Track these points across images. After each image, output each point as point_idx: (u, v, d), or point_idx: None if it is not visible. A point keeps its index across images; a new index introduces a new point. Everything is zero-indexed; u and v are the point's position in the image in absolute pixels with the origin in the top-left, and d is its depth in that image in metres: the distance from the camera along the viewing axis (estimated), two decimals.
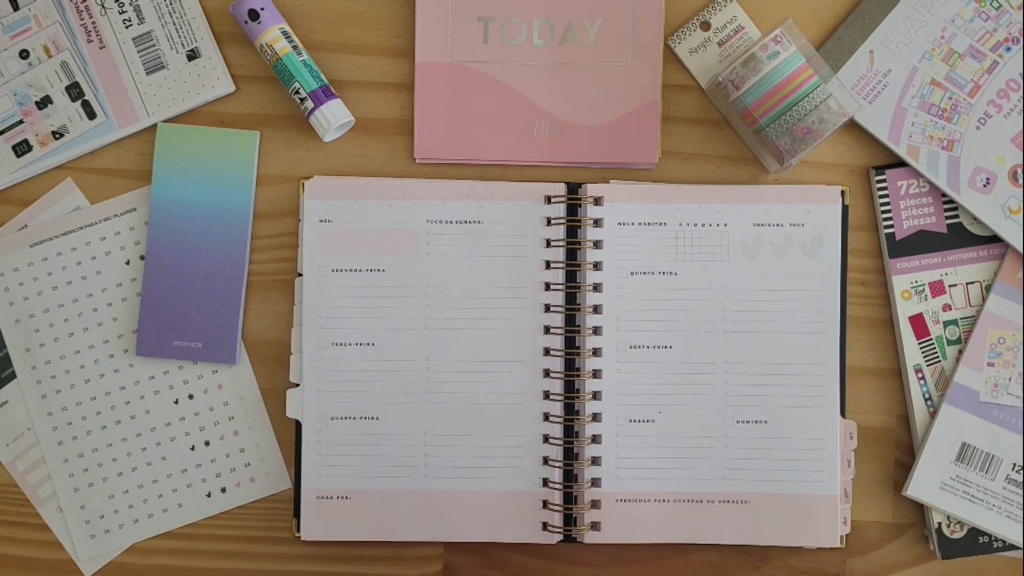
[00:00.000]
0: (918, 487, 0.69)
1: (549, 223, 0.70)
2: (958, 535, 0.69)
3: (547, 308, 0.69)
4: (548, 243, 0.70)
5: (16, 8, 0.70)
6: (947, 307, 0.70)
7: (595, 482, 0.69)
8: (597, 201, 0.69)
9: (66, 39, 0.70)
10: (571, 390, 0.69)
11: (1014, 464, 0.69)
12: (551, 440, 0.69)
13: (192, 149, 0.70)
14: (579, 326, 0.69)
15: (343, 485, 0.69)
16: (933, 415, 0.70)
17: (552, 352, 0.69)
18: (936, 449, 0.69)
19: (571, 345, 0.69)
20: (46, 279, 0.71)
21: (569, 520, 0.69)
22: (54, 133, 0.70)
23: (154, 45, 0.70)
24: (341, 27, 0.71)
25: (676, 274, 0.70)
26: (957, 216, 0.70)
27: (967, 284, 0.70)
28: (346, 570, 0.71)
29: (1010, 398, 0.69)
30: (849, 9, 0.71)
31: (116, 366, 0.71)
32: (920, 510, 0.71)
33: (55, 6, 0.70)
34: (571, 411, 0.69)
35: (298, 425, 0.70)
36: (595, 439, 0.69)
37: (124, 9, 0.70)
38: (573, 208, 0.70)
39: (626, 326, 0.69)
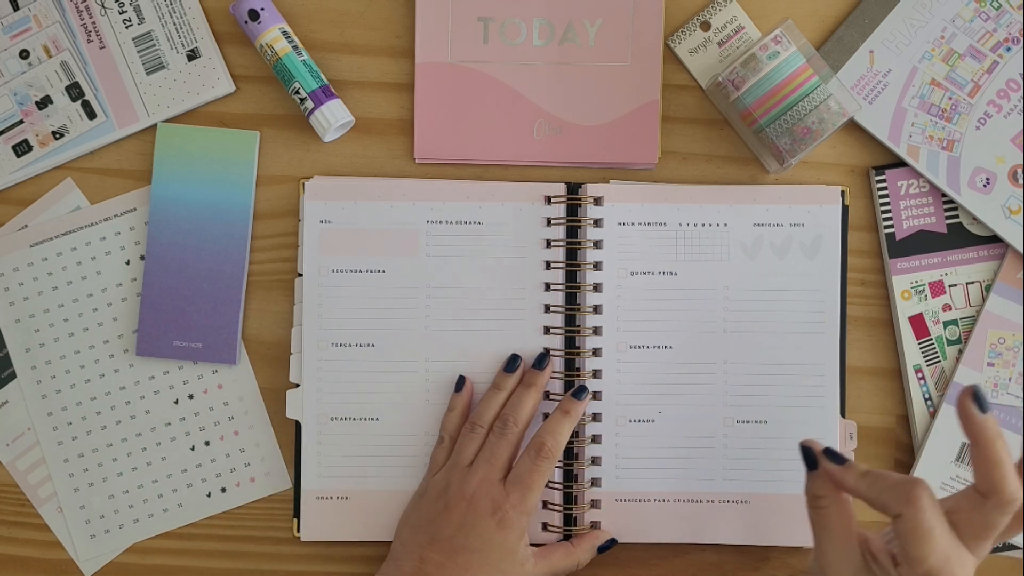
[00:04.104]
0: None
1: (549, 223, 0.70)
2: None
3: (547, 308, 0.69)
4: (548, 243, 0.70)
5: (16, 8, 0.70)
6: (947, 307, 0.70)
7: (595, 482, 0.69)
8: (597, 201, 0.69)
9: (66, 39, 0.70)
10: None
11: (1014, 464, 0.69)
12: None
13: (192, 149, 0.70)
14: (579, 326, 0.69)
15: (343, 485, 0.69)
16: (933, 415, 0.70)
17: (552, 352, 0.69)
18: (936, 449, 0.69)
19: (571, 345, 0.69)
20: (46, 279, 0.71)
21: (569, 520, 0.69)
22: (54, 133, 0.70)
23: (154, 45, 0.70)
24: (341, 27, 0.71)
25: (676, 274, 0.70)
26: (957, 216, 0.70)
27: (967, 284, 0.70)
28: (346, 570, 0.71)
29: (1010, 398, 0.69)
30: (849, 9, 0.71)
31: (116, 366, 0.71)
32: None
33: (55, 6, 0.70)
34: None
35: (298, 425, 0.70)
36: (595, 439, 0.69)
37: (124, 9, 0.70)
38: (573, 208, 0.70)
39: (626, 326, 0.69)
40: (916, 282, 0.70)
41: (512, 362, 0.68)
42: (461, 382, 0.68)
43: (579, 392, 0.68)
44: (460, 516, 0.63)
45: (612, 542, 0.68)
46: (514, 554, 0.62)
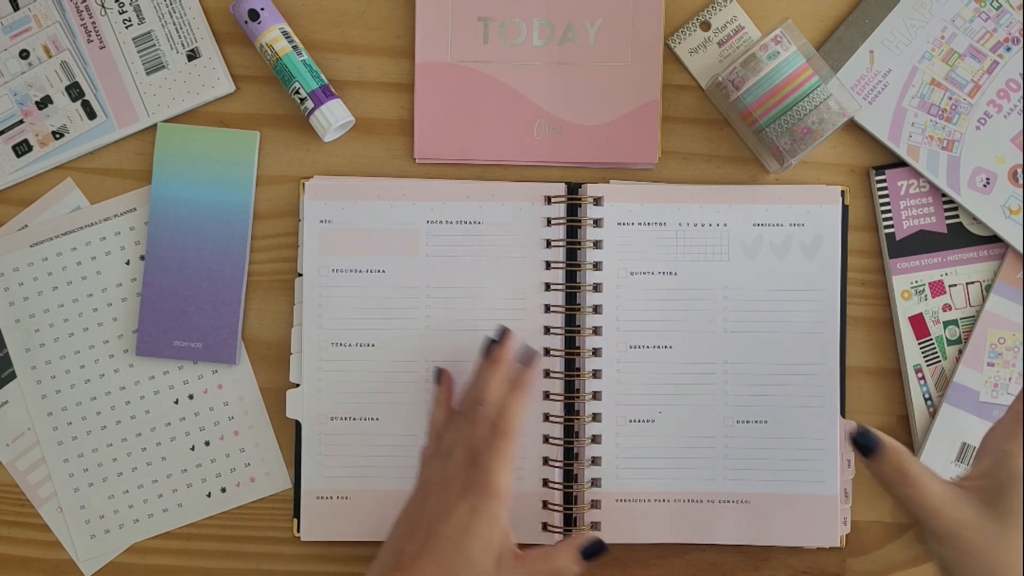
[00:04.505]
0: None
1: (549, 223, 0.70)
2: None
3: (547, 308, 0.69)
4: (548, 243, 0.70)
5: (16, 8, 0.70)
6: (947, 307, 0.70)
7: (595, 482, 0.69)
8: (597, 201, 0.69)
9: (66, 39, 0.70)
10: (571, 390, 0.69)
11: None
12: (551, 440, 0.69)
13: (192, 149, 0.70)
14: (579, 326, 0.69)
15: (343, 485, 0.69)
16: (933, 415, 0.70)
17: (552, 352, 0.69)
18: (936, 449, 0.69)
19: (571, 345, 0.69)
20: (46, 279, 0.71)
21: (569, 520, 0.69)
22: (54, 133, 0.70)
23: (154, 45, 0.70)
24: (341, 27, 0.71)
25: (676, 274, 0.70)
26: (957, 216, 0.70)
27: (967, 284, 0.70)
28: (346, 570, 0.71)
29: (1010, 398, 0.69)
30: (849, 9, 0.71)
31: (116, 366, 0.71)
32: None
33: (55, 6, 0.70)
34: (571, 411, 0.69)
35: (298, 425, 0.70)
36: (595, 439, 0.69)
37: (124, 9, 0.70)
38: (573, 208, 0.70)
39: (626, 326, 0.69)
40: (916, 282, 0.70)
41: (486, 345, 0.66)
42: (439, 375, 0.68)
43: (526, 357, 0.64)
44: (435, 504, 0.60)
45: (599, 546, 0.62)
46: (489, 545, 0.59)
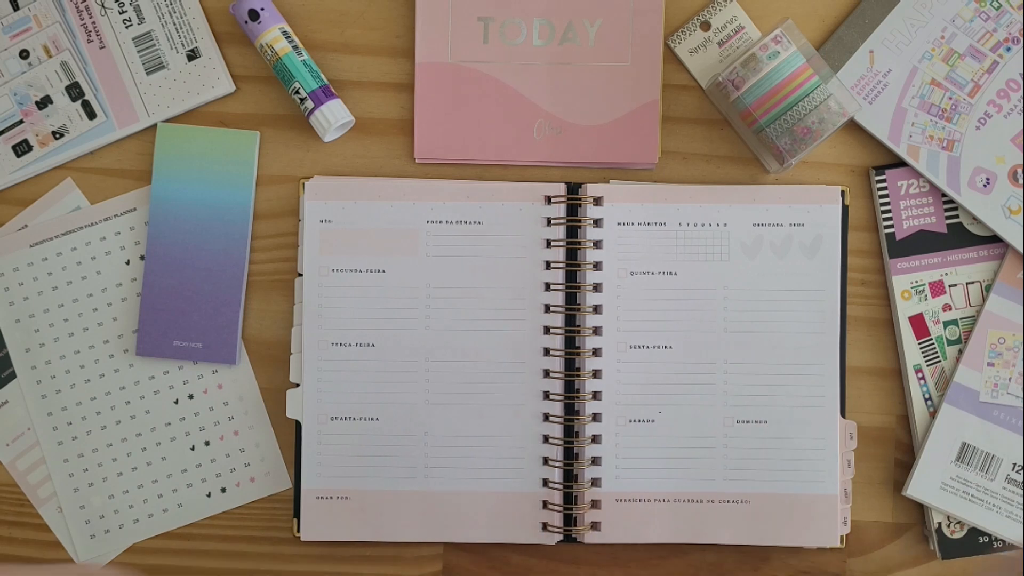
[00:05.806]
0: (918, 487, 0.69)
1: (549, 223, 0.70)
2: (958, 535, 0.70)
3: (547, 308, 0.69)
4: (548, 243, 0.70)
5: (16, 8, 0.70)
6: (947, 307, 0.70)
7: (595, 482, 0.69)
8: (597, 201, 0.69)
9: (66, 39, 0.70)
10: (571, 390, 0.69)
11: (1014, 464, 0.69)
12: (551, 440, 0.69)
13: (192, 149, 0.70)
14: (579, 326, 0.69)
15: (343, 485, 0.69)
16: (933, 415, 0.70)
17: (552, 352, 0.69)
18: (936, 449, 0.69)
19: (571, 345, 0.69)
20: (46, 279, 0.71)
21: (569, 520, 0.69)
22: (54, 133, 0.70)
23: (154, 45, 0.70)
24: (341, 27, 0.71)
25: (676, 274, 0.70)
26: (957, 216, 0.70)
27: (967, 284, 0.70)
28: (346, 570, 0.71)
29: (1010, 398, 0.69)
30: (849, 9, 0.71)
31: (116, 366, 0.71)
32: (920, 510, 0.71)
33: (55, 6, 0.70)
34: (571, 411, 0.69)
35: (298, 425, 0.70)
36: (595, 439, 0.69)
37: (124, 9, 0.70)
38: (573, 208, 0.70)
39: (626, 326, 0.69)
40: (916, 282, 0.70)
41: None
42: None
43: None
44: None
45: None
46: None
